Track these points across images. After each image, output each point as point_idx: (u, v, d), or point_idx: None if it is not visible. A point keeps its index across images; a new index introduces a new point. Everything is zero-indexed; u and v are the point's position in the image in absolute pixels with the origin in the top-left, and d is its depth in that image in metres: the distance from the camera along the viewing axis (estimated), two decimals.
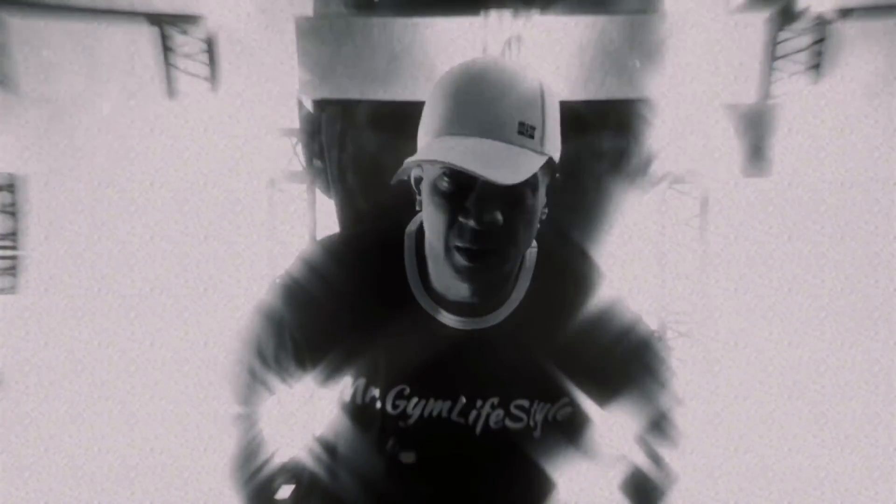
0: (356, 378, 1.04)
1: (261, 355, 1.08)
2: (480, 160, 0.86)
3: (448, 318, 1.03)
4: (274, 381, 1.10)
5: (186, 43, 2.47)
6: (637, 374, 1.07)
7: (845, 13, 2.41)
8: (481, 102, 0.91)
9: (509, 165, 0.87)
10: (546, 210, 1.00)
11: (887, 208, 2.56)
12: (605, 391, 1.05)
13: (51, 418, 2.62)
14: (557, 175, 0.99)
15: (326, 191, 2.32)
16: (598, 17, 2.18)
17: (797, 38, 2.47)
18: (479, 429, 1.04)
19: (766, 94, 2.50)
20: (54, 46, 2.46)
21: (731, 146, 2.31)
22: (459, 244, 0.92)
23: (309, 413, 1.20)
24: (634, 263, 2.41)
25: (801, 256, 2.59)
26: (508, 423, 1.04)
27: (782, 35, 2.46)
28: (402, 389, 1.03)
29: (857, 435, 2.35)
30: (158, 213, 2.67)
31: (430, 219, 0.95)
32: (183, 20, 2.48)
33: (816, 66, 2.47)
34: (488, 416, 1.04)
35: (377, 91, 2.28)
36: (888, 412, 2.35)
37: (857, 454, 2.31)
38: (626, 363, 1.06)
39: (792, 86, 2.49)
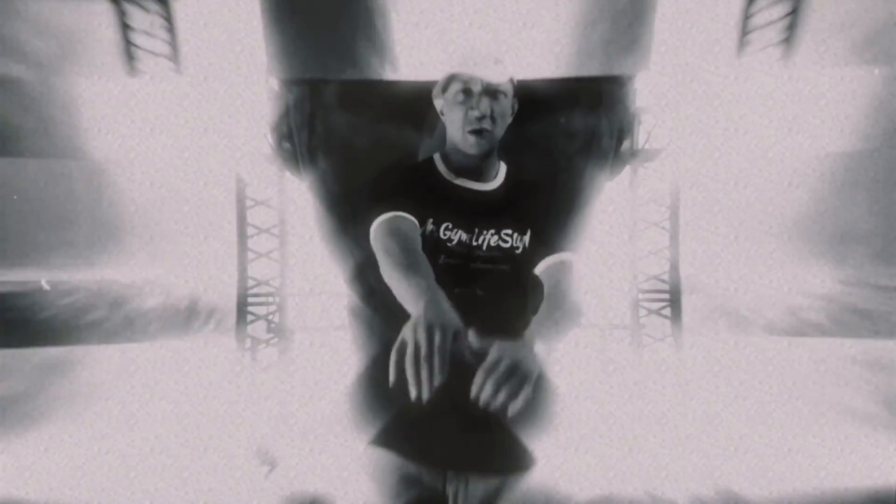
0: (423, 222, 1.81)
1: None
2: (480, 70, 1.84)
3: (467, 184, 1.91)
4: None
5: (146, 19, 2.39)
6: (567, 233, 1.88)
7: None
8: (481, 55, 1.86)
9: (494, 75, 1.83)
10: (514, 111, 1.93)
11: (864, 181, 2.57)
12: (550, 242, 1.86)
13: (50, 417, 2.59)
14: (516, 104, 1.93)
15: (297, 173, 2.29)
16: None
17: (768, 10, 2.45)
18: (484, 246, 1.83)
19: (738, 67, 2.49)
20: (8, 25, 2.37)
21: (704, 123, 2.30)
22: (468, 128, 1.83)
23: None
24: (605, 242, 2.43)
25: (776, 234, 2.61)
26: (500, 243, 1.85)
27: (753, 7, 2.44)
28: (447, 224, 1.83)
29: (856, 435, 2.37)
30: (124, 193, 2.62)
31: (452, 119, 1.88)
32: None
33: (788, 39, 2.46)
34: (489, 239, 1.84)
35: (346, 70, 2.23)
36: (888, 412, 2.37)
37: (857, 454, 2.33)
38: (563, 229, 1.88)
39: (764, 59, 2.48)
